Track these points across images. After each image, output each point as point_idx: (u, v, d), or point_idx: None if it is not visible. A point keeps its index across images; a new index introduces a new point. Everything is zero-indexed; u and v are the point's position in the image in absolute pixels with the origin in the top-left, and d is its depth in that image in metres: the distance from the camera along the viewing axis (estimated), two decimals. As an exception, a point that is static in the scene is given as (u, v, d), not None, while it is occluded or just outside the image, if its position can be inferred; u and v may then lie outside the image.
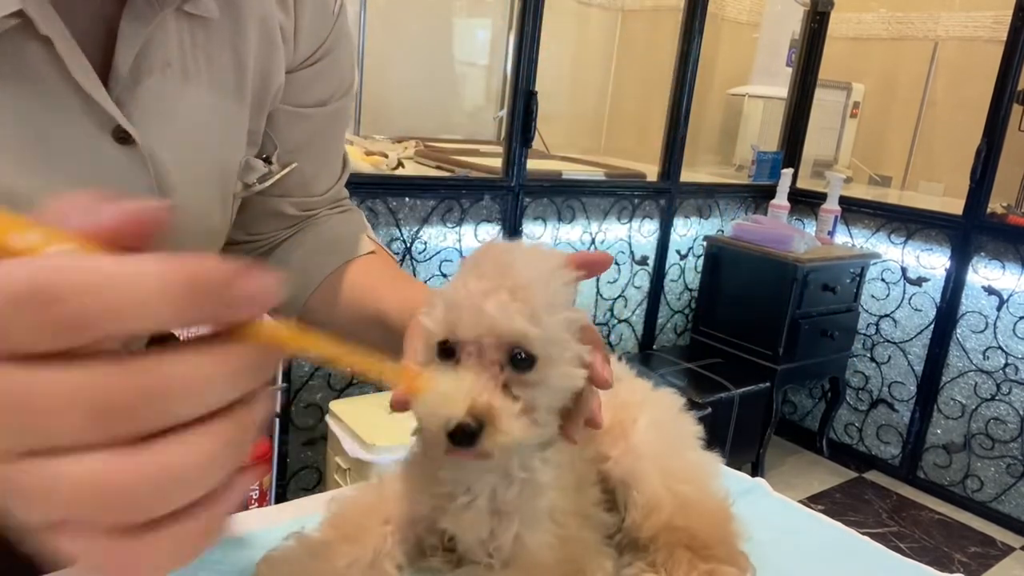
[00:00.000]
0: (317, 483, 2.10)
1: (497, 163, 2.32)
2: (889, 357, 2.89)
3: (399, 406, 0.40)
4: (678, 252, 2.91)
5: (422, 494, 0.47)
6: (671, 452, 0.53)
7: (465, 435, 0.38)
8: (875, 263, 2.89)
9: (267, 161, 0.61)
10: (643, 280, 2.81)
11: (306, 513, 0.59)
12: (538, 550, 0.45)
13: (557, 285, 0.42)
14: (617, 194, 2.61)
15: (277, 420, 1.88)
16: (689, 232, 2.93)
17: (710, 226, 3.00)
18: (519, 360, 0.40)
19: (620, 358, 0.59)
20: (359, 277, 0.65)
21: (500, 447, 0.39)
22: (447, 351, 0.41)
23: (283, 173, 0.62)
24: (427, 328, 0.42)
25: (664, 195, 2.74)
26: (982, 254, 2.63)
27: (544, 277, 0.42)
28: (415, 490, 0.48)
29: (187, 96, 0.51)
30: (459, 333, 0.41)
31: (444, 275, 2.25)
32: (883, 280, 2.89)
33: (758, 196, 3.10)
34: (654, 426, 0.53)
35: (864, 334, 2.95)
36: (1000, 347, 2.60)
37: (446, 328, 0.41)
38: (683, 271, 2.96)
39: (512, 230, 2.33)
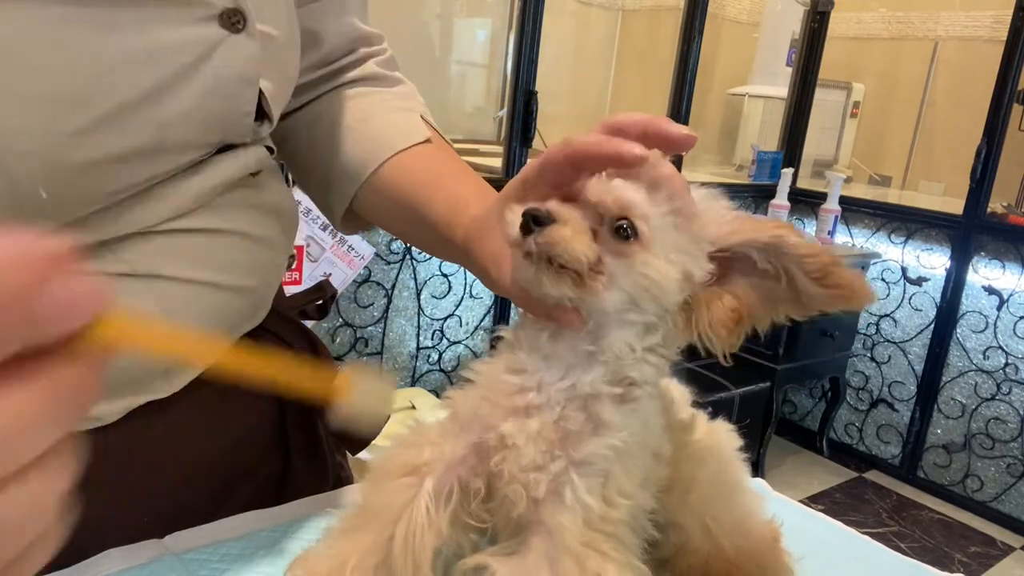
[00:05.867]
0: (317, 483, 2.09)
1: (497, 163, 2.32)
2: (889, 357, 2.89)
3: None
4: (678, 252, 2.90)
5: (489, 393, 0.42)
6: (720, 503, 0.51)
7: (536, 221, 0.38)
8: (875, 263, 2.89)
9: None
10: (643, 280, 2.81)
11: (306, 513, 0.60)
12: (572, 513, 0.39)
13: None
14: (617, 194, 2.60)
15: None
16: (689, 232, 2.93)
17: (710, 226, 3.00)
18: (620, 230, 0.40)
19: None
20: (406, 174, 0.59)
21: (568, 253, 0.38)
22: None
23: None
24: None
25: (664, 195, 2.73)
26: (982, 254, 2.63)
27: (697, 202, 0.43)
28: (479, 397, 0.43)
29: None
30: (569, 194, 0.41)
31: (444, 275, 2.25)
32: (883, 280, 2.89)
33: (758, 196, 3.10)
34: (712, 482, 0.51)
35: (864, 334, 2.95)
36: (1000, 347, 2.60)
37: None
38: (683, 271, 2.95)
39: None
